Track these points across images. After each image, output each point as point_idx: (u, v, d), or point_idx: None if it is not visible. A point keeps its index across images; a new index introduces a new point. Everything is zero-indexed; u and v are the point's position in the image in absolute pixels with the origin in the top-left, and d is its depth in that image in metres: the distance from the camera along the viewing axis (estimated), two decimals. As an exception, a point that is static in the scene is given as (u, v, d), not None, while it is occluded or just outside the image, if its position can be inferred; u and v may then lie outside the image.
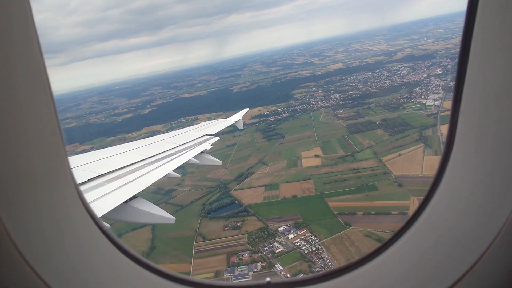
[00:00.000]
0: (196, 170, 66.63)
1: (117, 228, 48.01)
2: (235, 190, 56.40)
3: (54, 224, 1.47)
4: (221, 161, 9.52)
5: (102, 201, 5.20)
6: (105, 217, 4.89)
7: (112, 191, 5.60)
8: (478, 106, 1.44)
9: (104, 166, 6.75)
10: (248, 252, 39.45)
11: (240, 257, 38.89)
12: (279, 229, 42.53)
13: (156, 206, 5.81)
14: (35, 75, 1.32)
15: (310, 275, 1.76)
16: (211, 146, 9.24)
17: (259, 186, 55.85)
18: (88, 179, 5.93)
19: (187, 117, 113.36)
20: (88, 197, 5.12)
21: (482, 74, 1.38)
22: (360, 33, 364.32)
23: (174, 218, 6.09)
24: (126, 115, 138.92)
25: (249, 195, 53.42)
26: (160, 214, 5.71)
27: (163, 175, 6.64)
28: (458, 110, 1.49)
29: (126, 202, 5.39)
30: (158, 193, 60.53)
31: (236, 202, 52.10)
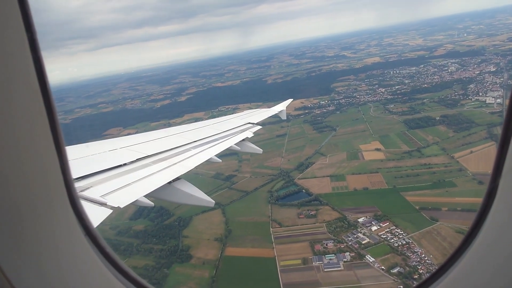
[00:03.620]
0: (251, 157, 66.75)
1: (187, 210, 48.92)
2: (299, 179, 56.12)
3: (51, 254, 1.47)
4: (262, 150, 9.43)
5: (148, 180, 5.40)
6: (150, 195, 5.03)
7: (158, 171, 5.80)
8: None
9: (151, 147, 6.99)
10: (332, 241, 39.21)
11: (325, 245, 38.69)
12: (359, 220, 42.07)
13: (197, 188, 5.89)
14: (32, 99, 1.29)
15: None
16: (253, 134, 9.25)
17: (323, 176, 55.34)
18: (136, 159, 6.19)
19: (227, 106, 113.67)
20: (135, 176, 5.45)
21: None
22: (389, 27, 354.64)
23: (213, 201, 6.21)
24: (163, 102, 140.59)
25: (315, 185, 53.04)
26: (200, 196, 5.81)
27: (205, 159, 6.81)
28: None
29: (169, 182, 5.57)
30: (218, 178, 61.10)
31: (304, 191, 51.83)
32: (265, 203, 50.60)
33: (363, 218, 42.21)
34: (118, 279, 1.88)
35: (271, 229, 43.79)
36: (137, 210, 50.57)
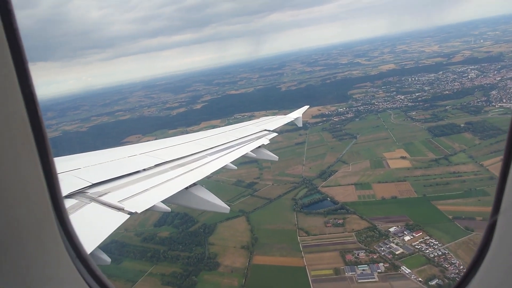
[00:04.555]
0: (272, 165, 66.38)
1: (210, 217, 48.64)
2: (322, 187, 55.35)
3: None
4: (277, 157, 9.30)
5: (166, 186, 5.49)
6: (167, 201, 5.08)
7: (175, 177, 5.90)
8: None
9: (169, 153, 7.17)
10: (364, 251, 38.25)
11: (356, 255, 37.75)
12: (390, 229, 41.02)
13: (212, 194, 5.95)
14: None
15: None
16: (269, 142, 9.25)
17: (348, 184, 54.46)
18: (155, 165, 6.32)
19: (243, 113, 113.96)
20: (153, 181, 5.56)
21: None
22: (402, 34, 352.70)
23: (229, 207, 6.18)
24: (179, 110, 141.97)
25: (340, 193, 52.18)
26: (216, 202, 5.89)
27: (221, 166, 6.91)
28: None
29: (186, 188, 5.65)
30: (239, 185, 60.83)
31: (329, 199, 51.02)
32: (290, 210, 49.98)
33: (394, 227, 41.14)
34: None
35: (298, 237, 43.08)
36: (161, 217, 50.65)
